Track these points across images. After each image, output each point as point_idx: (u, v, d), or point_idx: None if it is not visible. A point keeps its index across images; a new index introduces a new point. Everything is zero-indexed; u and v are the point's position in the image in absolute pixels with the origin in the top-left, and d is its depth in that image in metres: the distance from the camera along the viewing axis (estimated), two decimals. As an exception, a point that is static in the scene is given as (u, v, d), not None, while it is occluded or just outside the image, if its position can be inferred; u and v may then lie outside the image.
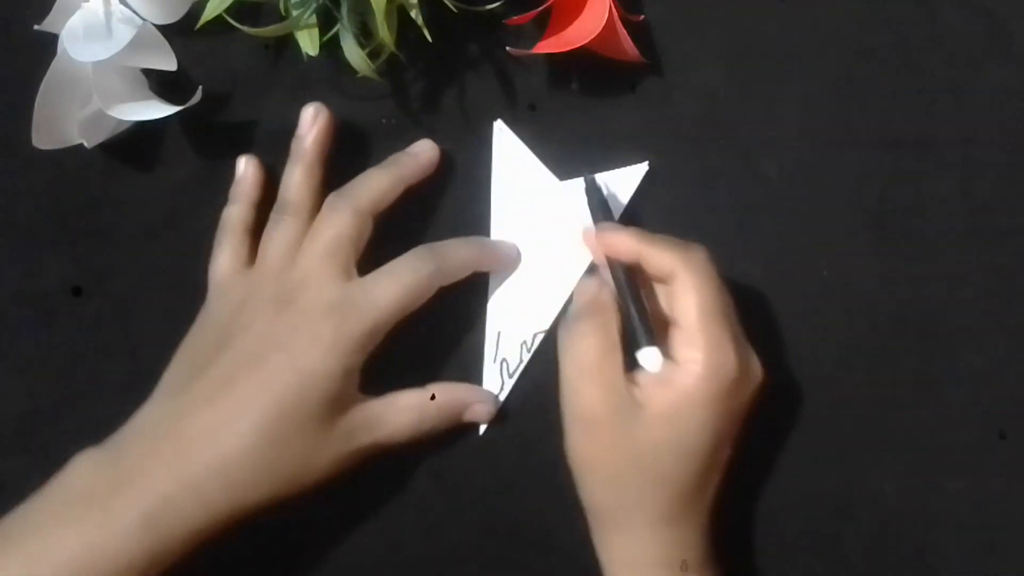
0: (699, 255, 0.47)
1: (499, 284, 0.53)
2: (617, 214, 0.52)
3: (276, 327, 0.47)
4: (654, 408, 0.45)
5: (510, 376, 0.52)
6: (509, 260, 0.53)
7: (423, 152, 0.52)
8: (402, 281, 0.48)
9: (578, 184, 0.52)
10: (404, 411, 0.49)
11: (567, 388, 0.47)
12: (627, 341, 0.47)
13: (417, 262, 0.49)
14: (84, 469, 0.46)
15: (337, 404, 0.47)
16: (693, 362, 0.45)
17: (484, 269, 0.52)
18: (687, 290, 0.46)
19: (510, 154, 0.53)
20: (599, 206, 0.51)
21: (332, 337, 0.47)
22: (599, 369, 0.46)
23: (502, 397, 0.52)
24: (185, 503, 0.45)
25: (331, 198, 0.50)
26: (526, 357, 0.52)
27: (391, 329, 0.48)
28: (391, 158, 0.52)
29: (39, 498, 0.46)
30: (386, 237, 0.51)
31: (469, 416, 0.51)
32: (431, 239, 0.53)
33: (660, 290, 0.49)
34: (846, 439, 0.52)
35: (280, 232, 0.50)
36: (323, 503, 0.51)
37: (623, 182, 0.53)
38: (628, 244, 0.48)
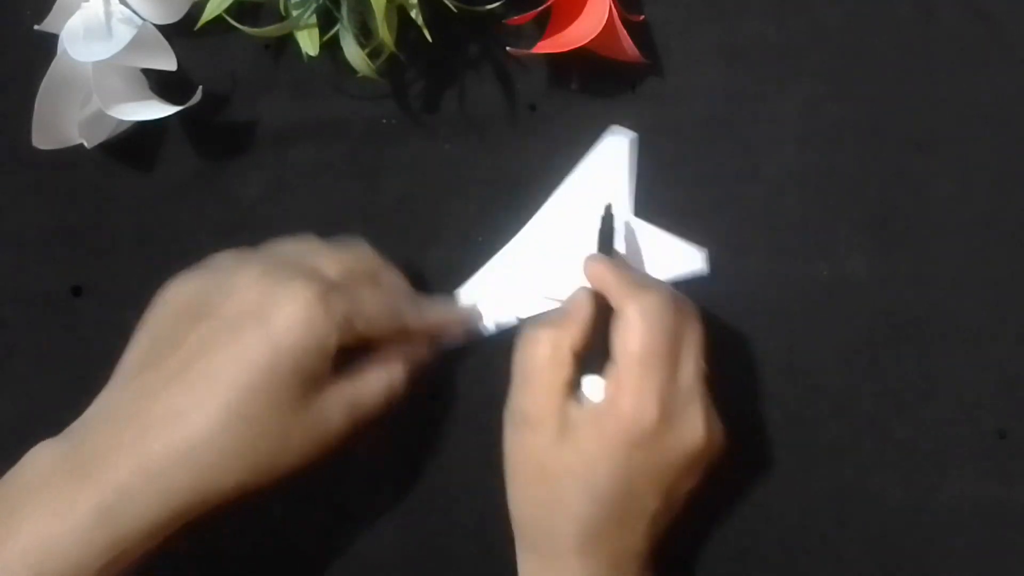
0: (650, 298, 0.45)
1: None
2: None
3: (252, 298, 0.45)
4: (578, 437, 0.45)
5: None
6: (462, 332, 0.52)
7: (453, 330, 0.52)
8: (385, 298, 0.48)
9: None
10: (374, 381, 0.47)
11: (512, 387, 0.47)
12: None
13: (404, 296, 0.49)
14: (40, 460, 0.44)
15: (312, 384, 0.45)
16: (612, 404, 0.45)
17: (445, 336, 0.51)
18: (623, 331, 0.45)
19: (608, 167, 0.53)
20: (605, 237, 0.50)
21: (311, 313, 0.44)
22: (541, 377, 0.46)
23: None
24: (145, 494, 0.43)
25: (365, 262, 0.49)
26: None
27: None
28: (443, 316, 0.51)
29: None
30: (387, 238, 0.51)
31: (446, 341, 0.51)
32: (430, 239, 0.53)
33: None
34: (846, 439, 0.52)
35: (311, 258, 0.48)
36: (318, 502, 0.51)
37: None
38: (597, 273, 0.48)
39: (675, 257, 0.52)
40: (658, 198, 0.53)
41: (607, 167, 0.52)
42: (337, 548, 0.53)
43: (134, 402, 0.44)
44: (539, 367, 0.46)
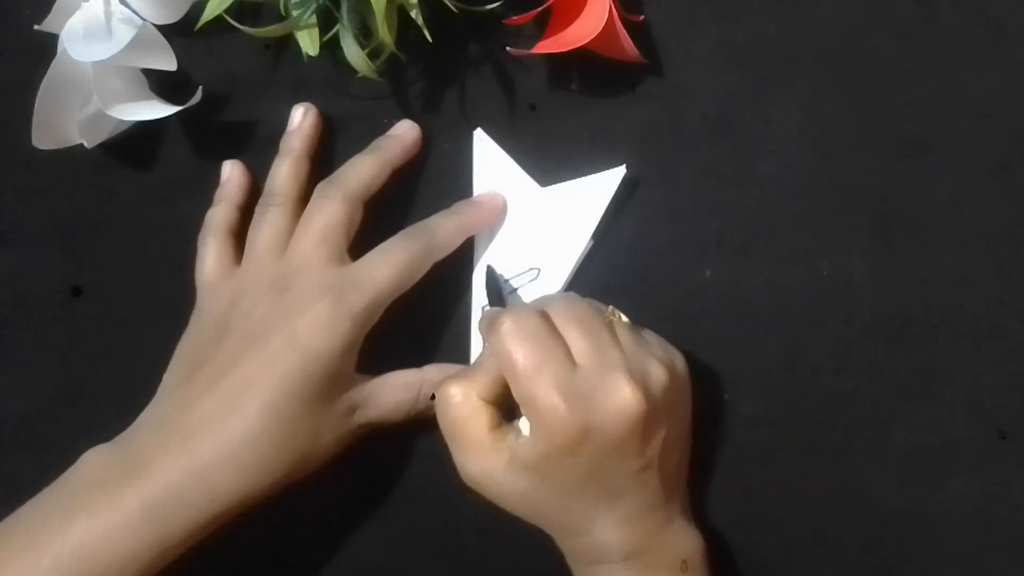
0: (504, 321, 0.46)
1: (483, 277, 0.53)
2: (595, 221, 0.52)
3: (274, 312, 0.48)
4: (529, 463, 0.46)
5: None
6: (495, 213, 0.53)
7: (406, 133, 0.53)
8: (396, 257, 0.49)
9: (559, 190, 0.53)
10: (401, 390, 0.50)
11: (450, 450, 0.47)
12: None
13: (408, 240, 0.50)
14: (92, 462, 0.46)
15: (338, 381, 0.48)
16: (533, 428, 0.45)
17: (474, 231, 0.52)
18: (500, 362, 0.46)
19: (491, 162, 0.53)
20: (492, 295, 0.52)
21: (331, 315, 0.47)
22: (462, 429, 0.46)
23: None
24: (193, 493, 0.45)
25: (321, 186, 0.51)
26: None
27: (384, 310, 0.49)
28: (375, 143, 0.53)
29: (48, 491, 0.46)
30: (386, 238, 0.51)
31: None
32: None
33: None
34: (846, 439, 0.52)
35: (268, 223, 0.50)
36: (320, 500, 0.51)
37: (599, 187, 0.52)
38: (480, 328, 0.50)
39: (599, 188, 0.52)
40: (657, 198, 0.53)
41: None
42: (334, 548, 0.53)
43: (176, 412, 0.47)
44: (457, 421, 0.46)
